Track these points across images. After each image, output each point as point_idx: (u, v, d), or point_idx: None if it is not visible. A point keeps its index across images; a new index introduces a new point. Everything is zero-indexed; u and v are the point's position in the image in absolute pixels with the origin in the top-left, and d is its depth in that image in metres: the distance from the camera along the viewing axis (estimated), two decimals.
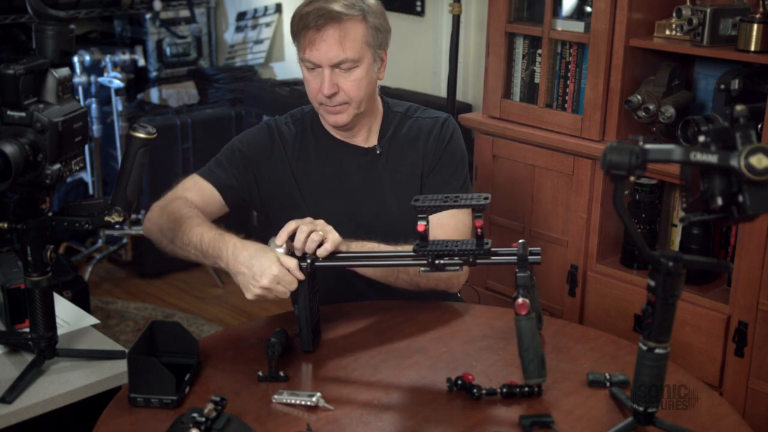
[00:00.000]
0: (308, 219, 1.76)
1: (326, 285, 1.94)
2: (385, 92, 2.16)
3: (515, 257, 1.61)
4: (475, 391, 1.59)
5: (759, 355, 2.41)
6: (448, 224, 1.98)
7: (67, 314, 1.97)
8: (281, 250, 1.73)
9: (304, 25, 1.90)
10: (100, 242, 4.23)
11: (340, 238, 1.75)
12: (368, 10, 1.93)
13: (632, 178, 1.31)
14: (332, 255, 1.73)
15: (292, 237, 1.74)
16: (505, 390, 1.59)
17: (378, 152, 2.05)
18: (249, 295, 1.73)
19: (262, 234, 2.05)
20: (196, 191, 2.01)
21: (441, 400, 1.60)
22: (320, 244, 1.73)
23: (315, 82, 1.94)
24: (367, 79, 1.95)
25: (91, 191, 4.21)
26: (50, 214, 1.66)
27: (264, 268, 1.69)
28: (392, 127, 2.07)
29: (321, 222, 1.76)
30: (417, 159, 2.05)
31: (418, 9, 3.76)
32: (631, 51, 2.63)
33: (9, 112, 1.54)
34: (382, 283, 1.93)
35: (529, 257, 1.60)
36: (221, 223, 1.93)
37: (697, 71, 2.71)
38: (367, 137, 2.07)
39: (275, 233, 1.76)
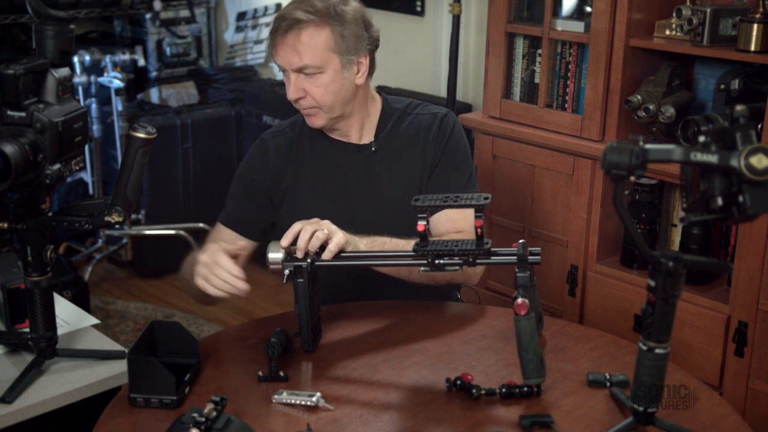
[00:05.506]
0: (314, 219, 1.77)
1: (336, 285, 1.95)
2: (385, 92, 2.16)
3: (515, 257, 1.61)
4: (474, 391, 1.59)
5: (759, 355, 2.42)
6: (456, 218, 1.99)
7: (67, 314, 1.97)
8: (280, 254, 1.73)
9: (272, 29, 1.95)
10: (100, 242, 4.23)
11: (345, 239, 1.76)
12: (335, 16, 1.92)
13: (632, 178, 1.31)
14: (337, 255, 1.73)
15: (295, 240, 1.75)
16: (504, 390, 1.59)
17: (373, 149, 2.06)
18: (210, 290, 1.76)
19: (262, 237, 2.06)
20: (220, 239, 2.04)
21: (441, 400, 1.60)
22: (325, 246, 1.73)
23: (288, 85, 1.98)
24: (335, 85, 1.95)
25: (91, 191, 4.21)
26: (50, 214, 1.66)
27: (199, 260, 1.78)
28: (390, 123, 2.08)
29: (326, 222, 1.77)
30: (416, 155, 2.05)
31: (418, 9, 3.76)
32: (631, 51, 2.63)
33: (9, 112, 1.54)
34: (388, 284, 1.94)
35: (529, 257, 1.60)
36: None
37: (697, 71, 2.71)
38: (360, 135, 2.07)
39: (277, 237, 1.77)
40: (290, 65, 1.93)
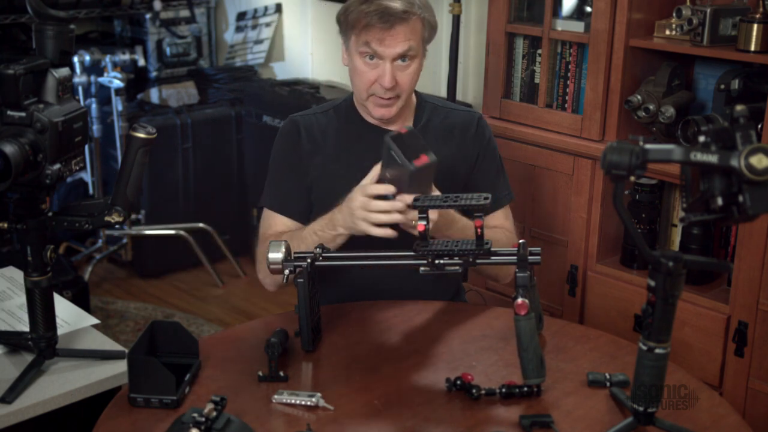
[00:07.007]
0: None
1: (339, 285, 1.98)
2: None
3: (515, 257, 1.61)
4: (474, 391, 1.59)
5: (759, 355, 2.42)
6: (510, 215, 2.14)
7: (67, 314, 1.97)
8: (280, 255, 1.73)
9: (366, 24, 1.94)
10: (100, 242, 4.22)
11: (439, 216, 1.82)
12: (423, 8, 2.00)
13: (632, 178, 1.31)
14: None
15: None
16: (504, 390, 1.59)
17: None
18: (375, 231, 1.80)
19: (307, 218, 2.07)
20: (275, 227, 2.07)
21: (440, 400, 1.60)
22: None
23: (371, 74, 1.98)
24: (417, 74, 2.03)
25: (91, 191, 4.21)
26: (50, 214, 1.66)
27: (348, 206, 1.83)
28: (425, 116, 2.12)
29: None
30: (453, 148, 2.09)
31: None
32: (631, 51, 2.63)
33: (9, 112, 1.54)
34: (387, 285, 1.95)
35: (529, 257, 1.61)
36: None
37: (697, 71, 2.71)
38: (401, 125, 2.09)
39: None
40: (394, 51, 1.95)
